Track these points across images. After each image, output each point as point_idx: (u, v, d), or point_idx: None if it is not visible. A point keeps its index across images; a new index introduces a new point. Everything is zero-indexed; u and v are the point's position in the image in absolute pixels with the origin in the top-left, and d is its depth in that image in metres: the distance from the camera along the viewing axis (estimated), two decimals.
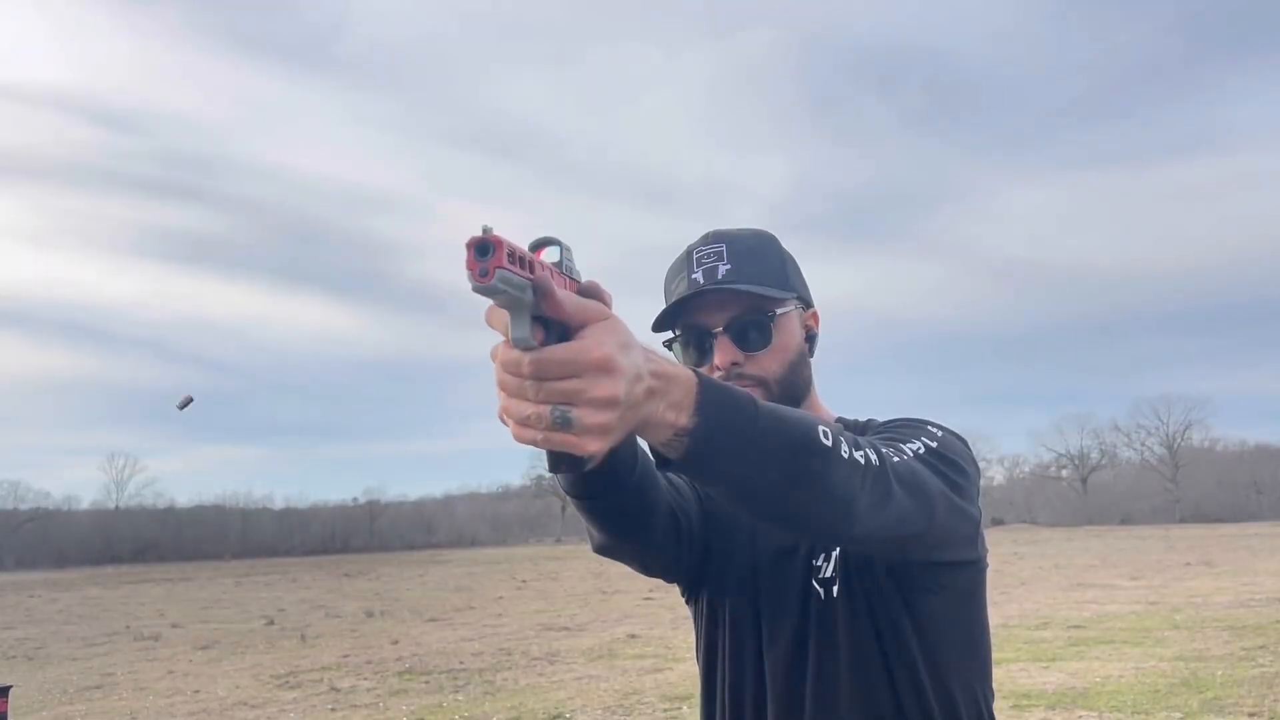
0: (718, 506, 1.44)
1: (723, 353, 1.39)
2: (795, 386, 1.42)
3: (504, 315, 0.82)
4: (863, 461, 1.05)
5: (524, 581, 27.38)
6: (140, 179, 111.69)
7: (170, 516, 73.99)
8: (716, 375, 1.34)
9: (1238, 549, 29.15)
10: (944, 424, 1.36)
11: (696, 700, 1.57)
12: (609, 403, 0.81)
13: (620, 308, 0.91)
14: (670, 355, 1.33)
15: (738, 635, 1.45)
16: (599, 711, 8.52)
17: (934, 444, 1.27)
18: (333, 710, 9.19)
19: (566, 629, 14.95)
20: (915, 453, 1.22)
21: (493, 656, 12.22)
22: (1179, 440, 74.90)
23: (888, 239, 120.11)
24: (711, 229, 1.47)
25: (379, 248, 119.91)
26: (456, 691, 9.87)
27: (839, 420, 1.49)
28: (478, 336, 0.85)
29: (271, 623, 18.01)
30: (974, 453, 1.36)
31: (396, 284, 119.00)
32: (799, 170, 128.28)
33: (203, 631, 17.11)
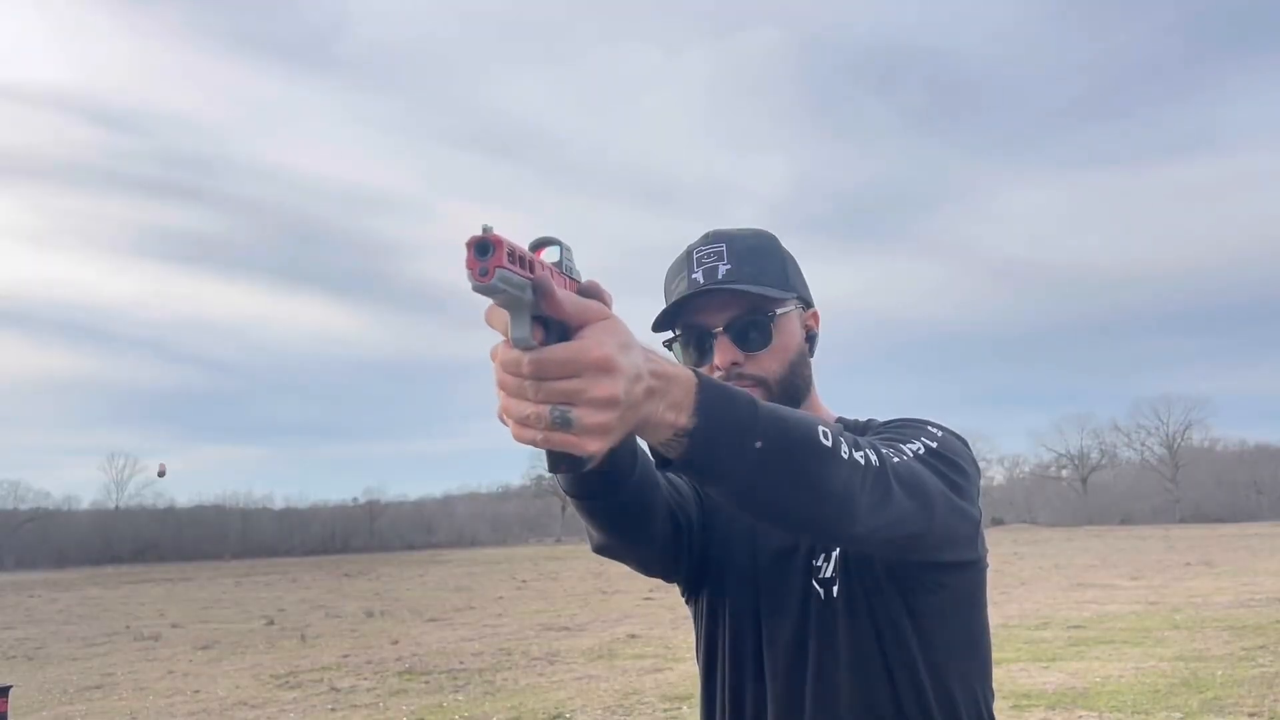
0: (718, 506, 1.44)
1: (723, 353, 1.39)
2: (795, 386, 1.42)
3: (504, 315, 0.82)
4: (863, 462, 1.05)
5: (524, 581, 27.38)
6: (140, 179, 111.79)
7: (170, 516, 73.88)
8: (716, 375, 1.34)
9: (1238, 549, 29.15)
10: (944, 424, 1.36)
11: (696, 700, 1.57)
12: (609, 402, 0.81)
13: (620, 308, 0.90)
14: (670, 355, 1.32)
15: (738, 635, 1.45)
16: (599, 711, 8.52)
17: (934, 444, 1.27)
18: (333, 710, 9.19)
19: (566, 629, 14.94)
20: (915, 453, 1.22)
21: (493, 656, 12.22)
22: (1179, 440, 74.92)
23: (888, 239, 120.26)
24: (711, 229, 1.46)
25: (379, 248, 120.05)
26: (456, 691, 9.86)
27: (839, 420, 1.49)
28: (478, 336, 0.85)
29: (271, 623, 18.01)
30: (974, 453, 1.36)
31: (396, 284, 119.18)
32: (799, 170, 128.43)
33: (203, 631, 17.11)
